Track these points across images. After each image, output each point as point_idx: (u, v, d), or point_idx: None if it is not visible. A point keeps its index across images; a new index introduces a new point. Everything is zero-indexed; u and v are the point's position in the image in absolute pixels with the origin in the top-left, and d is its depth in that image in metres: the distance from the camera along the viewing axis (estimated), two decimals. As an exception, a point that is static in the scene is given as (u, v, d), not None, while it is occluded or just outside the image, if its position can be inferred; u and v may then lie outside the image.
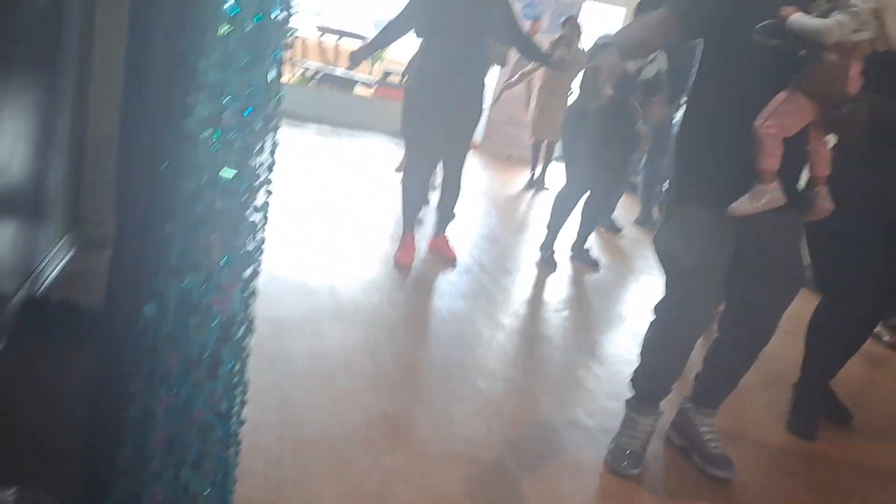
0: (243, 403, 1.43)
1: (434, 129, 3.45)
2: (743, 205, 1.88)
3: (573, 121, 3.93)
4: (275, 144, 1.20)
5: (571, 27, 5.92)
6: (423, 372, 2.51)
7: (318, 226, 3.96)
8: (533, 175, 6.46)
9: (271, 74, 1.13)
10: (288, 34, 1.13)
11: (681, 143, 2.06)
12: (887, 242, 2.39)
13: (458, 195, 3.77)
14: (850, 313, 2.45)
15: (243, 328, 1.30)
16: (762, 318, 2.04)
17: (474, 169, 6.84)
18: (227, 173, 1.09)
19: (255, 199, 1.19)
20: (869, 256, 2.38)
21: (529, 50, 3.78)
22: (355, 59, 3.52)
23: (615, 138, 3.75)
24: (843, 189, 2.02)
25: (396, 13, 3.45)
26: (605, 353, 2.97)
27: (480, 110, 3.61)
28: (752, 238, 1.96)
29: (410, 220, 3.65)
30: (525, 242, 4.51)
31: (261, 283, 2.95)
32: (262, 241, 1.29)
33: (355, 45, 8.48)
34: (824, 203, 1.95)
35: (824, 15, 1.74)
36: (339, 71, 8.22)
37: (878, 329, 3.77)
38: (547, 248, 4.04)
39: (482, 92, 3.60)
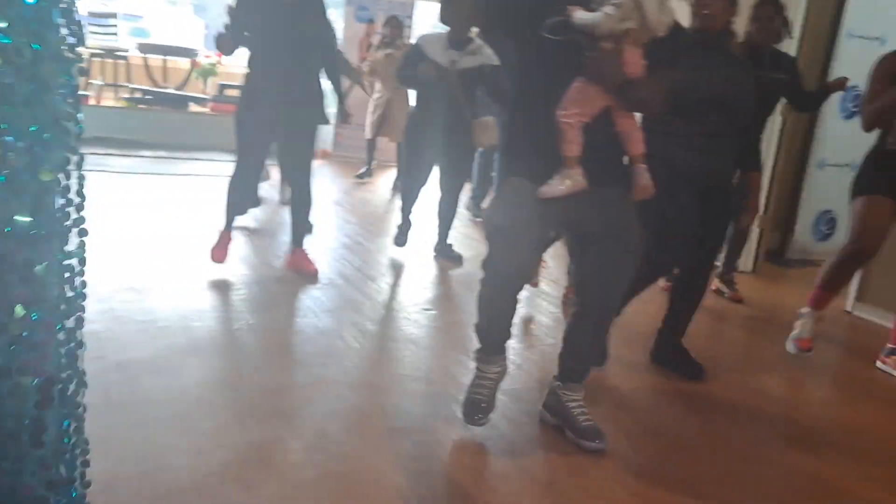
0: (86, 465, 1.30)
1: (259, 135, 3.50)
2: (550, 189, 2.01)
3: (413, 122, 4.14)
4: (82, 180, 1.09)
5: (393, 28, 5.98)
6: (291, 395, 2.42)
7: (163, 258, 3.74)
8: (368, 168, 6.64)
9: (64, 105, 1.03)
10: (76, 61, 1.03)
11: (505, 126, 2.22)
12: (699, 203, 2.66)
13: (309, 207, 3.73)
14: (687, 272, 2.75)
15: (73, 384, 1.19)
16: (605, 291, 2.19)
17: (326, 178, 6.74)
18: (23, 219, 0.98)
19: (65, 243, 1.08)
20: (686, 219, 2.63)
21: (334, 75, 3.79)
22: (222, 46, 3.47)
23: (452, 134, 3.91)
24: (654, 162, 2.17)
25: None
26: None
27: (318, 119, 3.59)
28: (584, 217, 2.09)
29: (230, 220, 3.66)
30: (387, 248, 4.49)
31: (105, 327, 2.77)
32: (83, 285, 1.17)
33: (184, 63, 8.11)
34: (642, 180, 2.08)
35: (597, 10, 1.92)
36: (170, 90, 7.81)
37: (718, 286, 4.14)
38: (402, 230, 4.24)
39: (316, 101, 3.57)
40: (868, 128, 3.03)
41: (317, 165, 7.45)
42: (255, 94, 3.47)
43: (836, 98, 4.94)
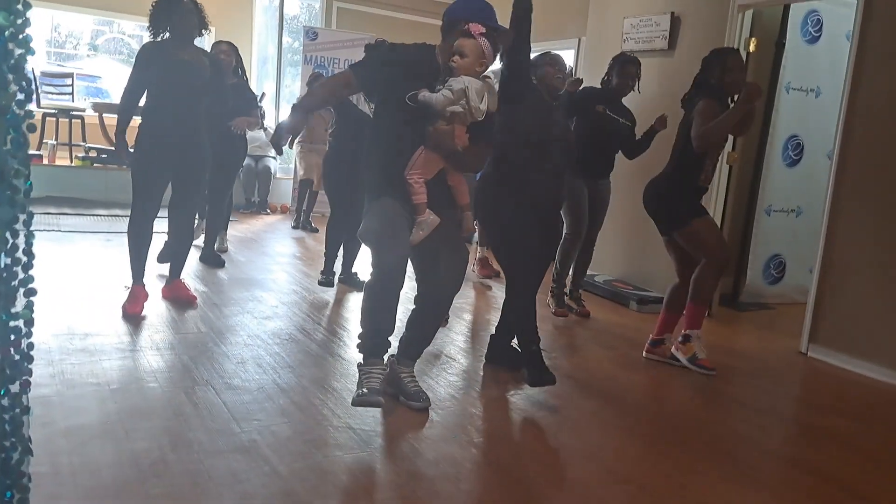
0: (30, 538, 1.23)
1: (155, 180, 3.72)
2: (416, 236, 2.59)
3: (329, 165, 4.70)
4: (30, 238, 1.06)
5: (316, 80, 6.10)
6: (248, 457, 2.35)
7: (116, 317, 3.64)
8: (299, 217, 6.93)
9: (12, 162, 1.01)
10: (25, 118, 1.01)
11: (367, 159, 2.78)
12: (538, 223, 3.14)
13: (190, 243, 4.08)
14: (528, 288, 3.16)
15: (17, 452, 1.13)
16: (441, 293, 2.77)
17: (284, 232, 6.70)
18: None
19: (11, 303, 1.04)
20: (530, 243, 3.11)
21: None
22: (119, 150, 3.79)
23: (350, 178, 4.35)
24: (505, 189, 3.07)
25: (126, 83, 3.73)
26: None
27: (204, 165, 3.90)
28: (430, 240, 2.64)
29: (138, 268, 3.78)
30: (348, 297, 4.46)
31: (55, 391, 2.68)
32: (30, 347, 1.13)
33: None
34: (469, 224, 2.76)
35: (439, 90, 2.53)
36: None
37: (568, 303, 4.55)
38: (326, 272, 4.67)
39: (203, 148, 3.85)
40: (705, 147, 3.37)
41: (276, 220, 7.45)
42: (148, 140, 3.69)
43: (778, 147, 5.17)
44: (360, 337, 2.72)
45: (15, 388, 1.08)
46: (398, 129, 2.65)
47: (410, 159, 2.58)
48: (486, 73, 2.64)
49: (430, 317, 2.83)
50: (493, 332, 3.50)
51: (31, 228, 1.09)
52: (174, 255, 4.07)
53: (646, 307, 4.80)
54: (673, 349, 3.59)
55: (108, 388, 2.74)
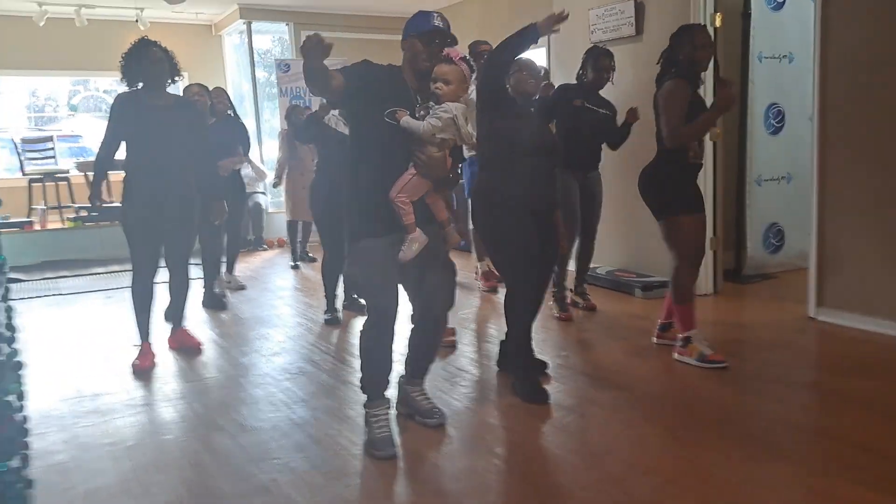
0: None
1: (150, 235, 3.70)
2: (405, 254, 2.54)
3: (315, 192, 4.59)
4: (10, 311, 1.06)
5: (291, 110, 6.09)
6: (270, 498, 2.33)
7: (124, 374, 3.64)
8: (295, 255, 6.72)
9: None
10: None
11: (348, 186, 2.67)
12: (536, 228, 3.10)
13: (188, 290, 4.01)
14: (527, 290, 3.14)
15: (26, 527, 1.12)
16: (436, 310, 2.74)
17: (283, 266, 6.70)
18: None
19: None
20: (527, 244, 3.06)
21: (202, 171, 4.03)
22: (93, 199, 3.80)
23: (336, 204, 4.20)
24: (497, 196, 3.07)
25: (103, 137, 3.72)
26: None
27: (192, 213, 3.84)
28: (417, 260, 2.58)
29: (144, 326, 3.79)
30: (352, 325, 4.45)
31: (71, 456, 2.67)
32: (24, 420, 1.13)
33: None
34: (452, 238, 2.70)
35: (422, 118, 2.52)
36: (115, 204, 7.74)
37: (573, 299, 4.57)
38: (330, 309, 4.59)
39: (190, 195, 3.81)
40: (678, 145, 3.32)
41: (274, 255, 7.44)
42: (136, 195, 3.67)
43: (759, 117, 5.16)
44: (361, 381, 2.71)
45: (13, 463, 1.07)
46: (378, 152, 2.59)
47: (397, 182, 2.54)
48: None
49: (430, 334, 2.82)
50: (503, 338, 3.46)
51: (10, 301, 1.08)
52: (172, 303, 4.05)
53: (651, 293, 4.79)
54: (677, 355, 3.50)
55: (123, 446, 2.73)
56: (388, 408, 2.73)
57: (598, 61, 4.28)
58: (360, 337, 2.65)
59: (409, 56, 2.61)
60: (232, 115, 5.21)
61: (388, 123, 2.50)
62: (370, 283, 2.60)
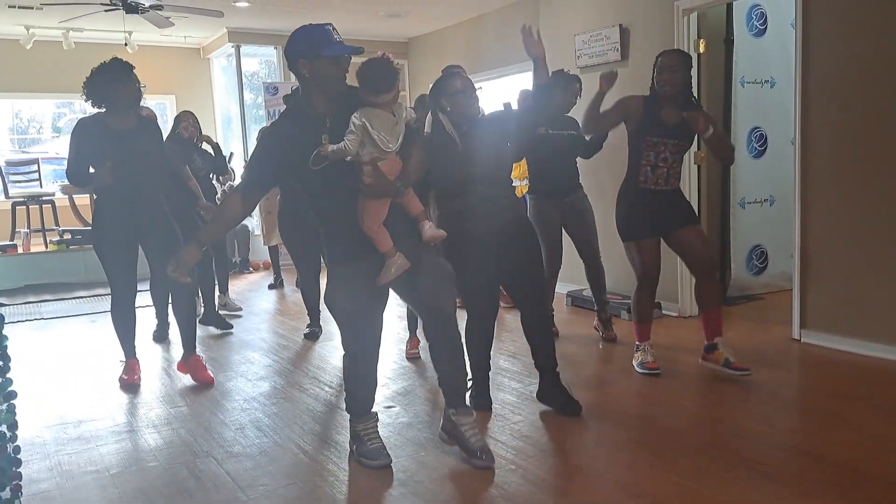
0: None
1: (122, 255, 3.68)
2: (384, 276, 2.47)
3: (282, 218, 4.72)
4: (2, 341, 1.05)
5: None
6: (260, 522, 2.31)
7: (108, 400, 3.59)
8: (278, 276, 6.89)
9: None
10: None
11: (323, 227, 2.63)
12: (494, 257, 3.07)
13: (194, 312, 4.00)
14: (483, 317, 3.17)
15: (14, 559, 1.10)
16: (443, 326, 2.58)
17: (268, 289, 6.67)
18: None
19: (-9, 409, 1.03)
20: (480, 271, 3.05)
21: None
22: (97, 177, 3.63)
23: (305, 229, 4.41)
24: (455, 218, 2.98)
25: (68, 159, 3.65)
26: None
27: (172, 235, 3.75)
28: (407, 277, 2.51)
29: (129, 347, 3.83)
30: (337, 348, 4.43)
31: (55, 484, 2.63)
32: (17, 450, 1.12)
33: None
34: (429, 230, 2.56)
35: (340, 139, 2.35)
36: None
37: (595, 324, 4.55)
38: (312, 324, 4.73)
39: (166, 218, 3.78)
40: (588, 129, 3.74)
41: (259, 277, 7.42)
42: (106, 216, 3.67)
43: (742, 140, 5.25)
44: (346, 401, 2.74)
45: (6, 494, 1.06)
46: (331, 197, 2.50)
47: (359, 213, 2.45)
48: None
49: (445, 342, 2.61)
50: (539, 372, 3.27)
51: (4, 329, 1.08)
52: (181, 329, 3.91)
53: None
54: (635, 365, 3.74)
55: (107, 473, 2.70)
56: (377, 421, 2.75)
57: (570, 86, 4.35)
58: (343, 363, 2.67)
59: (315, 79, 2.40)
60: (196, 141, 5.21)
61: (324, 169, 2.38)
62: (348, 317, 2.57)
